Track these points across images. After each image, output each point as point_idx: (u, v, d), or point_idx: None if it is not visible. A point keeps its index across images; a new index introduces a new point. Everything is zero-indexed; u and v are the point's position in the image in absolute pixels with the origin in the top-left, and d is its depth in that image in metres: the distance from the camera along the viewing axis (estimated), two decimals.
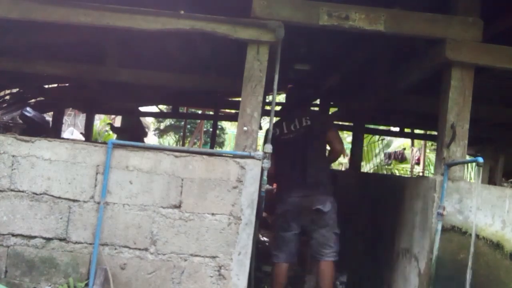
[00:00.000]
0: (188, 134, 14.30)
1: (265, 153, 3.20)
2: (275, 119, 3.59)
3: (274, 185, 7.76)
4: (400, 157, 12.99)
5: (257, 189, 3.12)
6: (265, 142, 3.47)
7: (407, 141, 12.73)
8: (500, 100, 5.33)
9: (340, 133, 4.78)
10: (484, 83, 4.31)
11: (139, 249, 3.10)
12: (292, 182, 3.95)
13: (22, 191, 3.12)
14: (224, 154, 3.26)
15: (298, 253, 4.10)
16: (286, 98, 5.08)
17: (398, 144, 13.64)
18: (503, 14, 3.64)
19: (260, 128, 3.61)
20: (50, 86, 7.51)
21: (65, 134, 11.58)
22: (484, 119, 5.70)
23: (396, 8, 3.34)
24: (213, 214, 3.10)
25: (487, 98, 5.06)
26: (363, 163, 11.05)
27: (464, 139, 3.20)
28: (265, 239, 7.34)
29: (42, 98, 8.00)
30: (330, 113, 4.26)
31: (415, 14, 3.29)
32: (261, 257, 4.69)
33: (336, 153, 4.23)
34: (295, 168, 3.97)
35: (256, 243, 3.36)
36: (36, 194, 3.12)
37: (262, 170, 3.17)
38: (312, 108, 4.25)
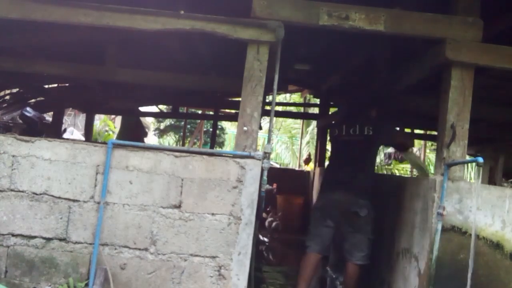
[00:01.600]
0: (188, 134, 14.29)
1: (265, 153, 3.20)
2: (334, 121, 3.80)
3: (274, 185, 7.75)
4: (400, 157, 12.97)
5: (257, 189, 3.12)
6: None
7: None
8: (500, 100, 5.33)
9: None
10: (484, 83, 4.31)
11: (139, 249, 3.10)
12: (337, 180, 4.02)
13: (22, 191, 3.12)
14: (224, 154, 3.26)
15: (329, 249, 4.18)
16: (347, 103, 5.14)
17: None
18: (503, 14, 3.64)
19: (260, 128, 3.61)
20: (50, 86, 7.52)
21: (65, 134, 11.57)
22: (484, 119, 5.70)
23: (396, 8, 3.34)
24: (213, 214, 3.10)
25: (487, 98, 5.06)
26: None
27: (464, 139, 3.20)
28: (265, 239, 7.33)
29: (42, 98, 8.00)
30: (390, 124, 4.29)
31: (415, 14, 3.29)
32: (261, 257, 4.69)
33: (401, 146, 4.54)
34: (343, 169, 4.05)
35: (256, 243, 3.36)
36: (36, 194, 3.12)
37: (262, 170, 3.17)
38: (374, 116, 4.30)
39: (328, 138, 3.89)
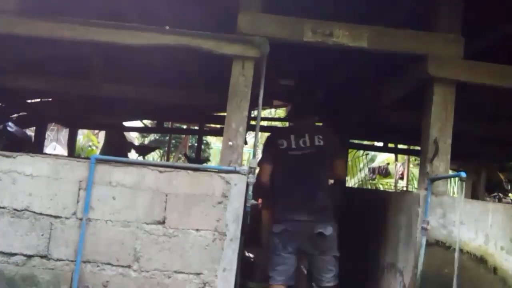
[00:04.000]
0: (172, 149, 14.23)
1: (250, 168, 3.19)
2: (280, 129, 3.55)
3: (259, 200, 7.70)
4: (384, 172, 13.09)
5: (242, 204, 3.10)
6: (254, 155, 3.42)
7: (391, 156, 12.85)
8: (482, 115, 5.41)
9: None
10: (466, 99, 4.37)
11: (122, 266, 3.05)
12: (296, 202, 3.53)
13: (3, 207, 3.06)
14: (209, 169, 3.25)
15: (294, 276, 3.67)
16: (293, 109, 4.55)
17: (382, 159, 13.76)
18: (484, 32, 3.71)
19: (245, 143, 3.58)
20: (33, 101, 7.43)
21: (47, 149, 11.43)
22: (466, 134, 5.77)
23: (379, 25, 3.38)
24: (197, 230, 3.07)
25: (470, 114, 5.14)
26: (347, 178, 11.10)
27: (447, 154, 3.23)
28: (251, 255, 7.27)
29: (24, 113, 7.90)
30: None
31: (397, 31, 3.34)
32: (246, 273, 4.64)
33: (337, 178, 4.23)
34: (302, 188, 3.55)
35: (241, 259, 3.33)
36: (17, 211, 3.06)
37: (248, 185, 3.16)
38: (322, 125, 4.06)
39: (269, 151, 3.64)
